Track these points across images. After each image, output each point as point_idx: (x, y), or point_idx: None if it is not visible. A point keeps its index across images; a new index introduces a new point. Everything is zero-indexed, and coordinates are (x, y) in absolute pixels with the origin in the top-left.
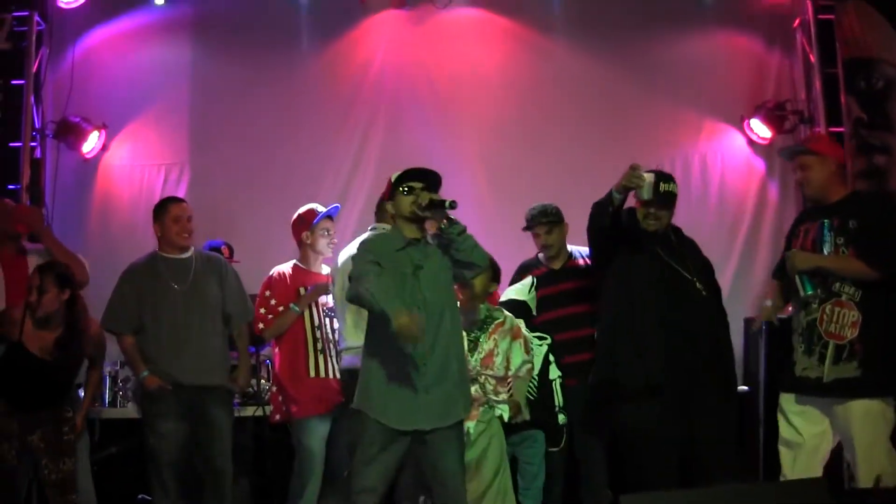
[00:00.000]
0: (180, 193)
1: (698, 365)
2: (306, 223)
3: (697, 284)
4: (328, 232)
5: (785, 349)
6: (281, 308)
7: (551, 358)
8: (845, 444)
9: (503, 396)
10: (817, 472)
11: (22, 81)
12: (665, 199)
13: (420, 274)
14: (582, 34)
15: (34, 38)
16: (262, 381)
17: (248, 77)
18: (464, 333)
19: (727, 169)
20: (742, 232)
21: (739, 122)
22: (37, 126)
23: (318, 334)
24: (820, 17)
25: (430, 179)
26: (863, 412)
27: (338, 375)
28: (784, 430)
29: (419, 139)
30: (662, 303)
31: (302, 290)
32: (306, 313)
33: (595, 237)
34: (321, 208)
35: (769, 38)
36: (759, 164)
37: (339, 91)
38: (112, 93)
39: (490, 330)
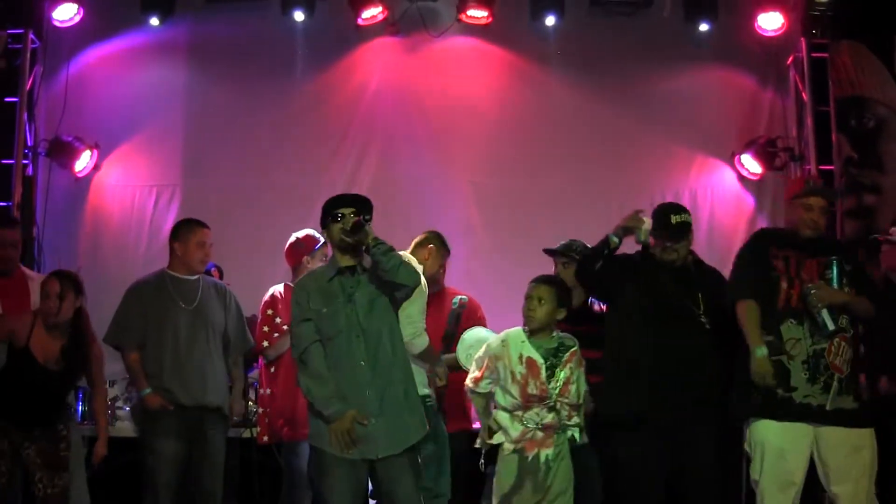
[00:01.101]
0: (171, 215)
1: (686, 398)
2: (308, 248)
3: (702, 318)
4: (326, 257)
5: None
6: (285, 327)
7: None
8: (838, 471)
9: (575, 420)
10: None
11: (15, 99)
12: (679, 230)
13: (355, 301)
14: (576, 67)
15: (28, 55)
16: (251, 403)
17: (242, 101)
18: (539, 360)
19: (717, 203)
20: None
21: (730, 158)
22: (29, 144)
23: None
24: (814, 55)
25: (360, 204)
26: (869, 437)
27: None
28: (777, 470)
29: (411, 166)
30: (655, 334)
31: None
32: None
33: (585, 281)
34: (318, 235)
35: (762, 75)
36: (748, 200)
37: (332, 117)
38: (105, 112)
39: (565, 359)
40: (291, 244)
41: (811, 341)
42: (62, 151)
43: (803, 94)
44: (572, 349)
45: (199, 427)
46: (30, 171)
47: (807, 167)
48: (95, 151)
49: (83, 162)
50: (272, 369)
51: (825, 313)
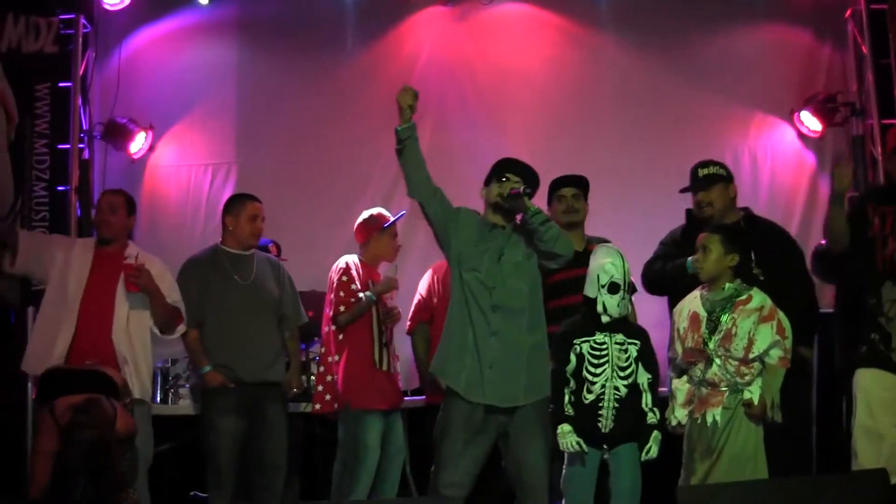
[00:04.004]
0: (227, 193)
1: None
2: (379, 224)
3: (754, 270)
4: (396, 236)
5: (858, 332)
6: (361, 294)
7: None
8: None
9: (749, 378)
10: None
11: (69, 84)
12: (705, 181)
13: (503, 259)
14: (629, 29)
15: (80, 40)
16: (312, 377)
17: (293, 76)
18: (702, 313)
19: (777, 163)
20: (793, 227)
21: (789, 116)
22: (84, 128)
23: (382, 328)
24: (872, 6)
25: (530, 177)
26: None
27: (399, 371)
28: (865, 418)
29: (466, 137)
30: None
31: (370, 284)
32: (373, 307)
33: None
34: (388, 214)
35: (819, 30)
36: (809, 158)
37: (384, 89)
38: (158, 94)
39: (731, 308)
40: (364, 220)
41: None
42: (117, 134)
43: (863, 48)
44: (740, 298)
45: (260, 403)
46: (86, 154)
47: (869, 122)
48: (150, 132)
49: (138, 143)
50: (341, 336)
51: None
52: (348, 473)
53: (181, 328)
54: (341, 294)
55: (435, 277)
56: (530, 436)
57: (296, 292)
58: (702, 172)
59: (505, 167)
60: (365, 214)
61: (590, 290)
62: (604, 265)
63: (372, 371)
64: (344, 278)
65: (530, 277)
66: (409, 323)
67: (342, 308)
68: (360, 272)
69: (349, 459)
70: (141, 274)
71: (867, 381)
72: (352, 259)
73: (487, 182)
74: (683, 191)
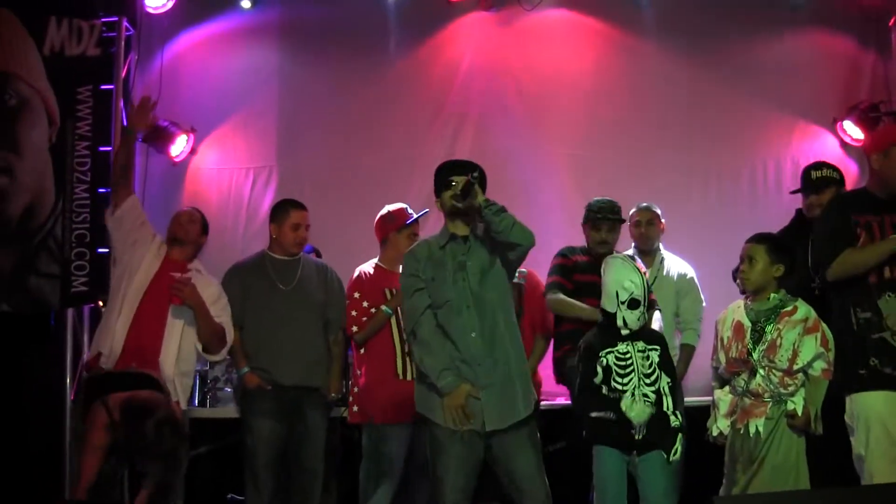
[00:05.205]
0: (268, 197)
1: None
2: (396, 223)
3: (814, 283)
4: (415, 236)
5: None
6: (373, 310)
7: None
8: None
9: (792, 389)
10: None
11: (111, 86)
12: (818, 184)
13: (467, 269)
14: (672, 35)
15: (123, 43)
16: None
17: (335, 80)
18: (746, 323)
19: None
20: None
21: (832, 124)
22: None
23: (404, 337)
24: None
25: (472, 171)
26: None
27: None
28: (886, 444)
29: (508, 141)
30: None
31: (387, 292)
32: (391, 318)
33: None
34: (411, 210)
35: (862, 39)
36: (852, 167)
37: (427, 94)
38: (200, 97)
39: (776, 319)
40: (381, 217)
41: None
42: (159, 137)
43: None
44: (786, 309)
45: (299, 407)
46: None
47: None
48: (191, 135)
49: (179, 146)
50: (362, 351)
51: None
52: (372, 482)
53: (224, 352)
54: (353, 314)
55: None
56: (517, 446)
57: (343, 297)
58: (815, 175)
59: (447, 171)
60: (383, 210)
61: (608, 305)
62: (622, 282)
63: (394, 384)
64: (356, 295)
65: (499, 286)
66: None
67: (355, 328)
68: (373, 282)
69: (372, 469)
70: (184, 287)
71: (880, 407)
72: (366, 268)
73: (438, 193)
74: (795, 192)
